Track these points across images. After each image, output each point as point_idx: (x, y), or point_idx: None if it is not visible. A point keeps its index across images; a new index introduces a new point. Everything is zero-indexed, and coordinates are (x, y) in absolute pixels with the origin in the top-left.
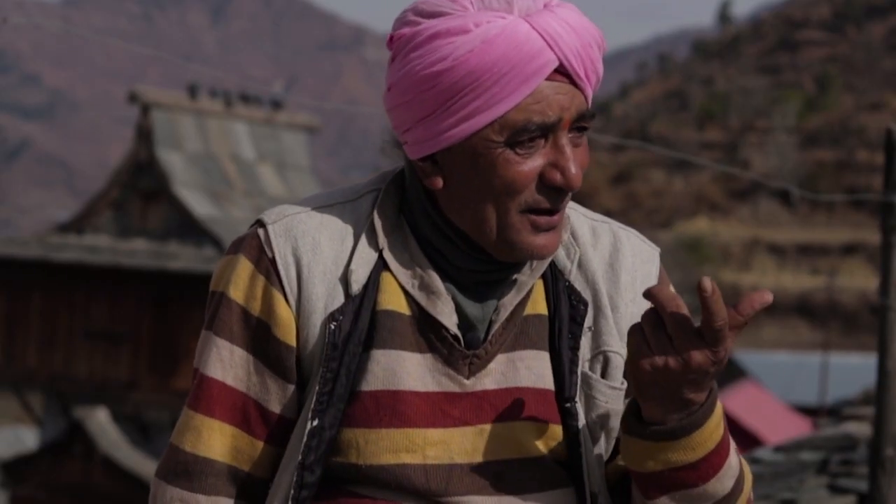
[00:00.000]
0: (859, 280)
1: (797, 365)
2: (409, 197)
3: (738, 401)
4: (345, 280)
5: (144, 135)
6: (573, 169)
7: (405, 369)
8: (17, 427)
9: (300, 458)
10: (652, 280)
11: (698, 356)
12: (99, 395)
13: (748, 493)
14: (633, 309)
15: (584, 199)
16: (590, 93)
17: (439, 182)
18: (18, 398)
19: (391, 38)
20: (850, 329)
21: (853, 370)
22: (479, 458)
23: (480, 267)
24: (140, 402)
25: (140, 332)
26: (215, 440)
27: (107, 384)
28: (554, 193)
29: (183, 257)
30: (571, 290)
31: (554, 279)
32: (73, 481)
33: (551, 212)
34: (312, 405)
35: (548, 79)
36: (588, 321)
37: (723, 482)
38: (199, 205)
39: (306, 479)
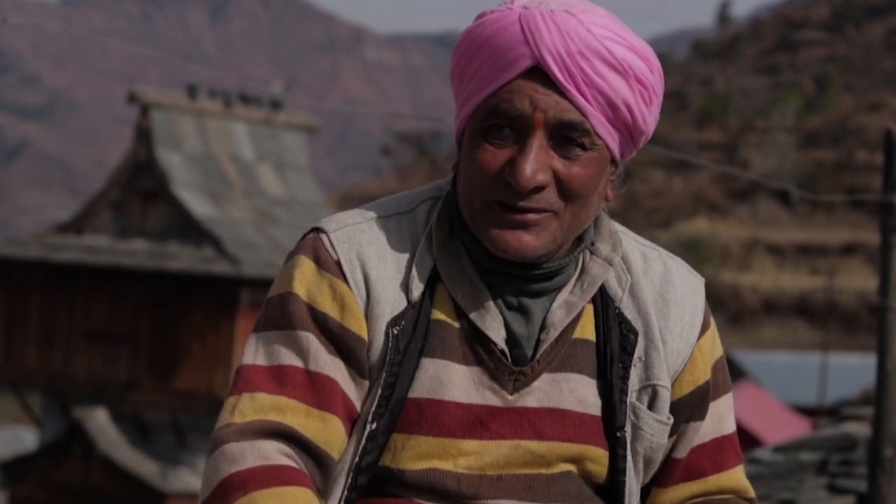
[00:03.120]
0: (859, 280)
1: (796, 365)
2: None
3: (738, 401)
4: (406, 287)
5: (144, 135)
6: (527, 171)
7: (451, 380)
8: (17, 427)
9: (357, 459)
10: (699, 314)
11: None
12: (98, 396)
13: None
14: (680, 344)
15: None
16: (586, 106)
17: (455, 168)
18: (18, 398)
19: None
20: (849, 329)
21: (852, 370)
22: (510, 471)
23: (509, 270)
24: (139, 402)
25: (139, 333)
26: (300, 420)
27: (106, 384)
28: (510, 190)
29: (182, 257)
30: (622, 318)
31: (604, 305)
32: (72, 481)
33: (514, 208)
34: (373, 408)
35: (530, 77)
36: (639, 352)
37: None
38: (198, 205)
39: (359, 481)
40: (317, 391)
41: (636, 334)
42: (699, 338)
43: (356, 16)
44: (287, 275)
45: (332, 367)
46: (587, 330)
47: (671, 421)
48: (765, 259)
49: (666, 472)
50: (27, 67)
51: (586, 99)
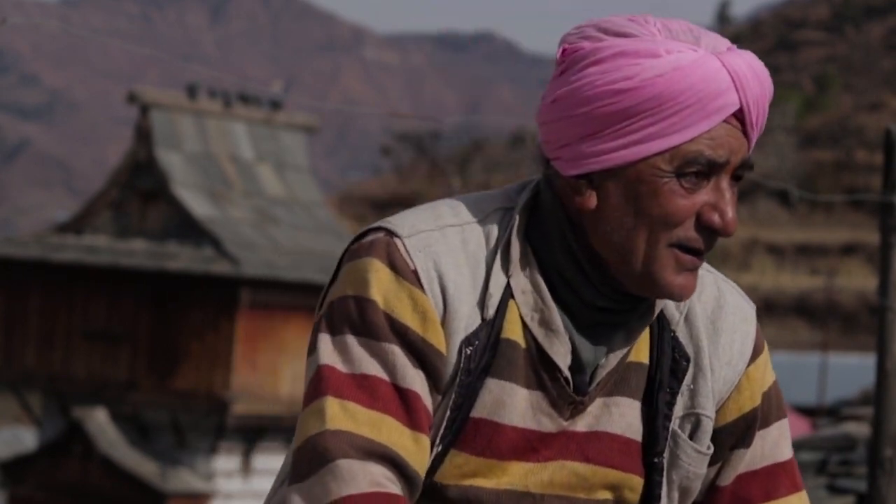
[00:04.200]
0: (858, 280)
1: (796, 365)
2: (542, 219)
3: None
4: (482, 304)
5: (143, 135)
6: (731, 213)
7: (513, 403)
8: (16, 427)
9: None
10: (749, 342)
11: None
12: (98, 395)
13: None
14: (728, 372)
15: None
16: (753, 142)
17: (593, 201)
18: (17, 398)
19: (564, 50)
20: (848, 329)
21: (852, 370)
22: (552, 491)
23: (606, 304)
24: (139, 402)
25: (139, 333)
26: (397, 440)
27: (105, 384)
28: (707, 234)
29: (182, 257)
30: (676, 342)
31: (660, 328)
32: (71, 481)
33: (698, 252)
34: (441, 430)
35: (724, 121)
36: (688, 379)
37: None
38: (198, 205)
39: (420, 501)
40: (407, 408)
41: (688, 360)
42: (748, 366)
43: (356, 16)
44: (359, 277)
45: (417, 382)
46: (641, 353)
47: (710, 451)
48: (764, 259)
49: (712, 501)
50: (27, 67)
51: (756, 136)
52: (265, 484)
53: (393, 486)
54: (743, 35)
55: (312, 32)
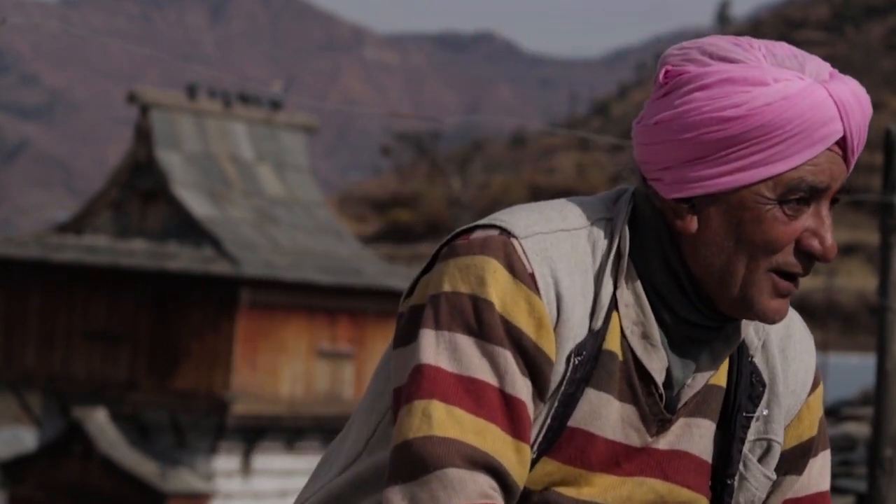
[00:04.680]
0: (858, 280)
1: None
2: (642, 234)
3: None
4: (591, 314)
5: (143, 135)
6: (830, 240)
7: (607, 414)
8: (16, 427)
9: None
10: (811, 372)
11: None
12: (98, 395)
13: None
14: (792, 401)
15: None
16: (851, 168)
17: (693, 225)
18: (18, 398)
19: (667, 71)
20: (848, 329)
21: (852, 370)
22: None
23: (700, 320)
24: (139, 402)
25: (139, 333)
26: (500, 450)
27: (105, 384)
28: (806, 260)
29: (182, 257)
30: (754, 367)
31: (740, 353)
32: (71, 481)
33: (795, 277)
34: (540, 439)
35: (830, 149)
36: (763, 405)
37: None
38: (198, 205)
39: None
40: (512, 417)
41: (764, 386)
42: (809, 395)
43: (356, 16)
44: (475, 275)
45: (525, 390)
46: (721, 376)
47: (775, 477)
48: None
49: None
50: (27, 67)
51: (854, 160)
52: (265, 484)
53: (498, 497)
54: (743, 35)
55: (312, 32)
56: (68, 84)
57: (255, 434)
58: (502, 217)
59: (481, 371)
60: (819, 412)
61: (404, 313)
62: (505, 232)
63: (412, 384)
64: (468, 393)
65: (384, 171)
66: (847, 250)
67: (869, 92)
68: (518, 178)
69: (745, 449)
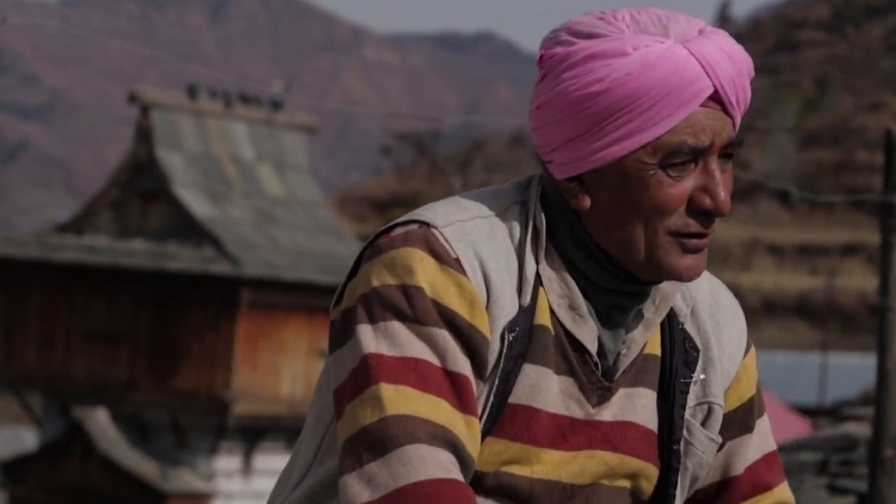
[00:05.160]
0: (859, 280)
1: (796, 365)
2: (552, 213)
3: None
4: (519, 291)
5: (144, 135)
6: (722, 194)
7: (547, 388)
8: (17, 427)
9: None
10: (743, 336)
11: None
12: (98, 396)
13: None
14: (729, 364)
15: None
16: (738, 120)
17: (586, 202)
18: (18, 398)
19: (541, 56)
20: (849, 329)
21: (852, 370)
22: (582, 481)
23: (625, 287)
24: (139, 402)
25: (139, 333)
26: (451, 420)
27: (106, 384)
28: (702, 217)
29: (182, 257)
30: (686, 335)
31: (670, 321)
32: (71, 481)
33: (699, 235)
34: (484, 418)
35: (701, 104)
36: (699, 369)
37: None
38: (198, 205)
39: None
40: (458, 392)
41: (698, 351)
42: (744, 357)
43: (356, 16)
44: (403, 266)
45: (467, 367)
46: (654, 345)
47: (720, 440)
48: (765, 259)
49: (730, 494)
50: (27, 67)
51: (740, 113)
52: (266, 484)
53: (456, 470)
54: (743, 35)
55: (312, 32)
56: (68, 84)
57: (255, 434)
58: (420, 212)
59: (422, 352)
60: (756, 374)
61: (336, 320)
62: (424, 224)
63: (356, 377)
64: (413, 372)
65: (384, 171)
66: (847, 250)
67: (869, 92)
68: (518, 178)
69: (687, 414)
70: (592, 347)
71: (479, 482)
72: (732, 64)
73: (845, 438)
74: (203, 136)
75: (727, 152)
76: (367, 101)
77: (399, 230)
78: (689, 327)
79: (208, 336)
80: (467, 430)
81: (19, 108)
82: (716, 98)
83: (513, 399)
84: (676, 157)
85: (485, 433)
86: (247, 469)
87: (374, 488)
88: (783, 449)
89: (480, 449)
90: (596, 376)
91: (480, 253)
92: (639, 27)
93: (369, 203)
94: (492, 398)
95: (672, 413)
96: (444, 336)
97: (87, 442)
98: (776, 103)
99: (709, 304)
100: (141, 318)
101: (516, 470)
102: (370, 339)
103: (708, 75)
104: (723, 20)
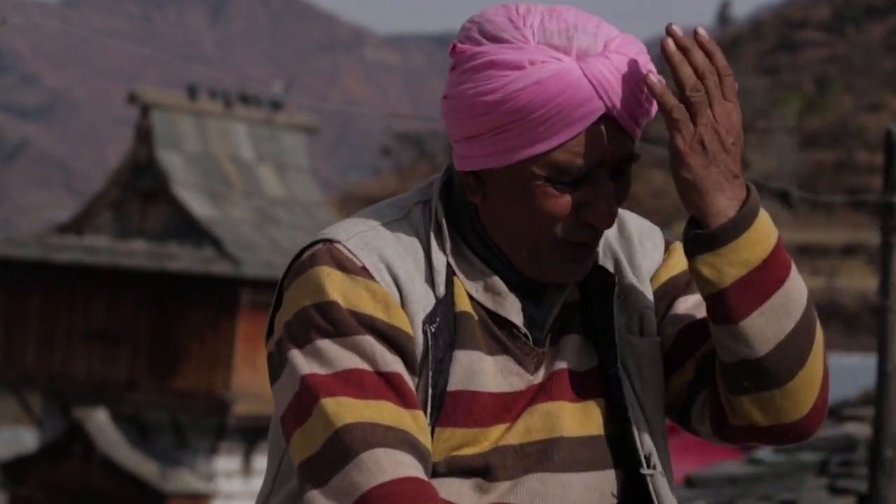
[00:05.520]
0: (859, 281)
1: None
2: (455, 203)
3: None
4: (431, 283)
5: (144, 135)
6: (605, 209)
7: (483, 370)
8: (17, 427)
9: None
10: (660, 239)
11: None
12: (98, 396)
13: (816, 329)
14: (649, 263)
15: None
16: (637, 135)
17: (479, 197)
18: (18, 398)
19: (454, 46)
20: (849, 330)
21: (853, 371)
22: (531, 438)
23: (515, 278)
24: (139, 402)
25: (139, 333)
26: (396, 417)
27: (106, 384)
28: (588, 230)
29: (182, 258)
30: (599, 269)
31: None
32: (72, 481)
33: (584, 244)
34: (428, 410)
35: (595, 123)
36: (617, 290)
37: (798, 283)
38: (198, 205)
39: None
40: (397, 391)
41: (612, 276)
42: (666, 251)
43: (356, 16)
44: (314, 285)
45: (398, 365)
46: (574, 292)
47: (660, 339)
48: None
49: (680, 347)
50: (27, 67)
51: (639, 127)
52: None
53: (415, 468)
54: (743, 35)
55: (312, 32)
56: (68, 84)
57: (255, 434)
58: (323, 232)
59: (352, 362)
60: (685, 261)
61: (272, 352)
62: (327, 241)
63: (298, 401)
64: (349, 384)
65: (384, 171)
66: (847, 251)
67: (870, 92)
68: None
69: (624, 330)
70: (518, 320)
71: (434, 471)
72: (627, 85)
73: (845, 439)
74: (203, 136)
75: (624, 168)
76: (367, 101)
77: (306, 253)
78: (602, 260)
79: (208, 336)
80: (415, 423)
81: (19, 108)
82: (611, 117)
83: (450, 387)
84: (565, 175)
85: (431, 426)
86: (247, 469)
87: (338, 500)
88: (784, 449)
89: (431, 440)
90: (528, 346)
91: (385, 256)
92: (544, 36)
93: (369, 203)
94: (430, 390)
95: (603, 342)
96: (369, 341)
97: (87, 442)
98: (776, 103)
99: (616, 230)
100: (141, 318)
101: (467, 451)
102: (302, 362)
103: (600, 97)
104: (723, 20)
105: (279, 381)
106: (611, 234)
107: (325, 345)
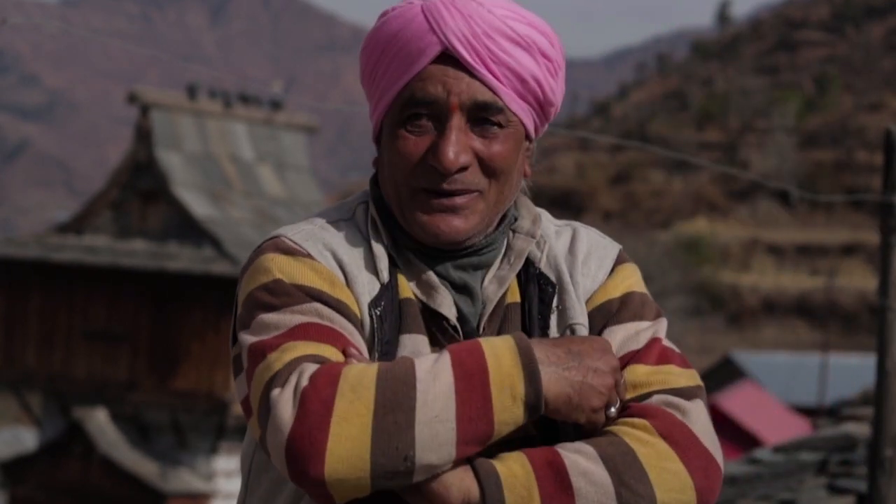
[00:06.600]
0: (858, 280)
1: (796, 365)
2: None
3: (738, 401)
4: (374, 271)
5: (144, 135)
6: (447, 153)
7: (426, 353)
8: (17, 427)
9: None
10: (608, 260)
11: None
12: (98, 396)
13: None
14: (588, 282)
15: (583, 200)
16: (497, 84)
17: (378, 163)
18: (18, 398)
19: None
20: (849, 329)
21: (852, 370)
22: None
23: (438, 253)
24: (139, 402)
25: (139, 333)
26: (331, 355)
27: (106, 384)
28: (435, 174)
29: (182, 258)
30: (541, 276)
31: (526, 268)
32: (72, 481)
33: (440, 193)
34: None
35: (440, 62)
36: (556, 301)
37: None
38: (198, 205)
39: None
40: (341, 339)
41: (553, 286)
42: (610, 272)
43: (356, 16)
44: (260, 271)
45: (348, 327)
46: (515, 293)
47: None
48: (765, 259)
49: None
50: (27, 67)
51: (497, 78)
52: None
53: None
54: (743, 35)
55: (313, 33)
56: (68, 84)
57: None
58: (272, 231)
59: (298, 319)
60: (627, 286)
61: (238, 354)
62: (274, 237)
63: (250, 368)
64: (292, 336)
65: None
66: (847, 250)
67: (869, 92)
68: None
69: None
70: (450, 314)
71: None
72: (469, 24)
73: (845, 438)
74: (203, 136)
75: (485, 117)
76: (366, 101)
77: (253, 253)
78: (545, 268)
79: (208, 336)
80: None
81: (19, 109)
82: (453, 56)
83: None
84: (408, 108)
85: None
86: None
87: (255, 391)
88: (784, 449)
89: None
90: (456, 339)
91: (330, 244)
92: None
93: None
94: None
95: None
96: (316, 307)
97: (87, 442)
98: (776, 103)
99: (567, 244)
100: (141, 318)
101: None
102: (249, 337)
103: (434, 31)
104: (723, 20)
105: (240, 378)
106: (560, 247)
107: (271, 316)
